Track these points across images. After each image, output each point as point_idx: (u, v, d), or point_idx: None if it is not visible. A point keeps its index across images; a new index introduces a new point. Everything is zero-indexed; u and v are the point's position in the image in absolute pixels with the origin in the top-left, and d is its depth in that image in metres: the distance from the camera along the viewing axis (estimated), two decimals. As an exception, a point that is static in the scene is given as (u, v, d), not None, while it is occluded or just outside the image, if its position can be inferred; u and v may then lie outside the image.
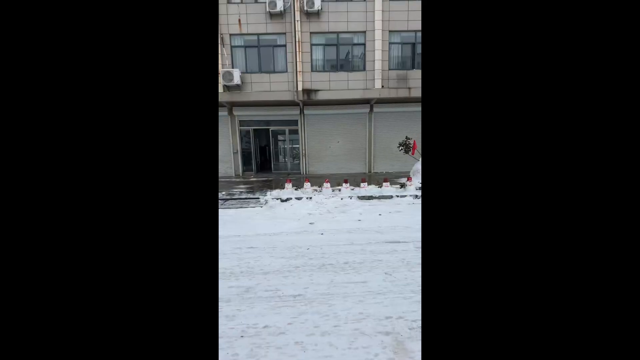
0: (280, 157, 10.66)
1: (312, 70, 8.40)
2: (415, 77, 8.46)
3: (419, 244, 2.83)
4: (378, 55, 8.15)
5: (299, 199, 5.18)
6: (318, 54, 8.47)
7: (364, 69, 8.39)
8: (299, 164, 9.70)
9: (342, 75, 8.40)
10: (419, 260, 2.42)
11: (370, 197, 5.32)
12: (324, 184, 5.72)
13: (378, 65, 8.23)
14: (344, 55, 8.66)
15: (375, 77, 8.25)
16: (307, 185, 5.67)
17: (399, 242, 2.93)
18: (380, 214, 4.16)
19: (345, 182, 5.68)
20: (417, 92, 8.35)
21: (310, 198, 5.21)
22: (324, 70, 8.48)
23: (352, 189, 5.76)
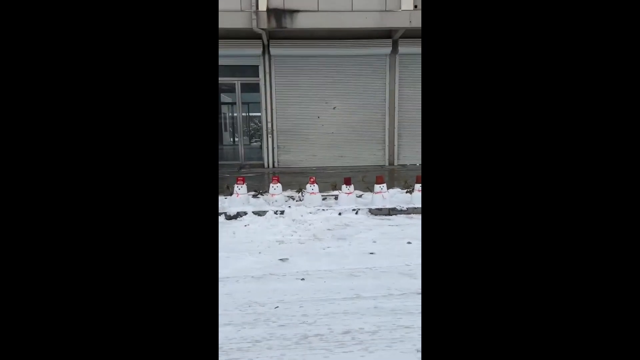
0: (226, 136, 10.56)
1: (285, -26, 8.38)
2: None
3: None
4: (408, -51, 8.26)
5: (260, 214, 5.19)
6: (297, -57, 8.46)
7: (382, -25, 8.47)
8: (260, 148, 9.70)
9: (341, -16, 8.43)
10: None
11: (391, 211, 5.40)
12: (308, 186, 5.74)
13: (407, -33, 8.34)
14: (346, -53, 8.71)
15: (403, -9, 8.35)
16: (275, 188, 5.66)
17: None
18: (409, 242, 4.24)
19: (347, 183, 5.72)
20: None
21: (282, 213, 5.23)
22: (309, -25, 8.47)
23: (360, 196, 5.82)
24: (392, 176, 7.88)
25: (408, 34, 8.74)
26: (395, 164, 9.63)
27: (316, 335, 2.45)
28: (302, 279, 3.32)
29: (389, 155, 9.61)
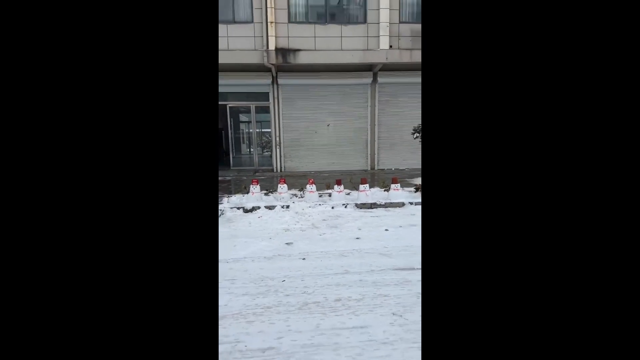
0: (243, 147, 10.56)
1: (289, 21, 8.39)
2: (436, 34, 8.63)
3: (441, 272, 2.90)
4: (385, 1, 8.27)
5: (270, 208, 5.18)
6: (299, -3, 8.46)
7: (365, 21, 8.49)
8: (270, 157, 9.67)
9: (333, 29, 8.45)
10: (441, 295, 2.49)
11: (373, 205, 5.40)
12: (307, 186, 5.74)
13: (384, 16, 8.36)
14: (336, 0, 8.73)
15: (381, 33, 8.37)
16: (282, 188, 5.66)
17: (414, 269, 2.99)
18: (387, 229, 4.24)
19: (338, 183, 5.73)
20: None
21: (287, 207, 5.22)
22: (307, 22, 8.49)
23: (348, 194, 5.82)
24: (373, 178, 7.88)
25: (385, 68, 8.77)
26: (376, 168, 9.64)
27: (314, 302, 2.45)
28: (304, 259, 3.32)
29: (371, 161, 9.62)
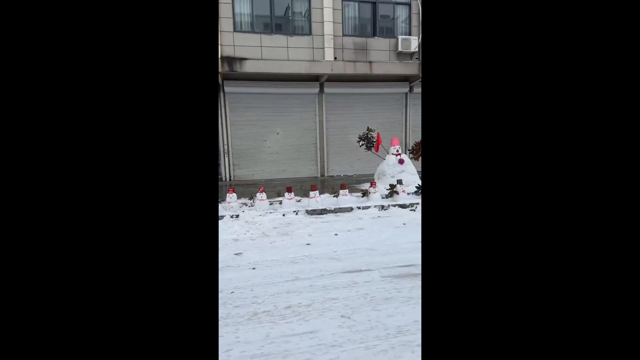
0: (190, 157, 10.15)
1: (235, 30, 8.29)
2: (377, 47, 9.10)
3: (387, 271, 3.03)
4: (328, 14, 8.55)
5: (219, 218, 5.00)
6: (244, 6, 8.42)
7: (310, 33, 8.68)
8: (218, 165, 9.36)
9: (279, 39, 8.52)
10: (386, 294, 2.59)
11: (323, 211, 5.48)
12: (257, 194, 5.66)
13: (329, 28, 8.62)
14: (282, 10, 8.82)
15: (326, 45, 8.61)
16: (231, 197, 5.51)
17: (361, 270, 3.08)
18: (336, 234, 4.32)
19: (289, 191, 5.73)
20: (380, 68, 8.99)
21: (237, 216, 5.10)
22: (253, 32, 8.46)
23: (298, 201, 5.84)
24: (323, 184, 8.01)
25: (331, 79, 9.00)
26: (326, 175, 9.80)
27: (264, 311, 2.41)
28: (253, 268, 3.25)
29: (321, 169, 9.76)
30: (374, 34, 9.04)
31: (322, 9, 8.47)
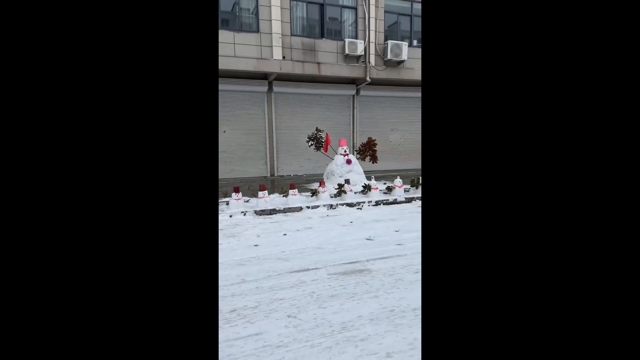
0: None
1: (177, 23, 7.85)
2: (325, 49, 9.21)
3: (333, 269, 3.08)
4: (276, 13, 8.46)
5: (160, 221, 4.71)
6: (187, -1, 8.00)
7: (258, 31, 8.52)
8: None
9: (225, 35, 8.23)
10: (332, 292, 2.63)
11: (272, 212, 5.42)
12: (202, 195, 5.42)
13: (277, 27, 8.53)
14: (229, 6, 8.54)
15: (274, 44, 8.52)
16: (173, 199, 5.22)
17: (308, 269, 3.10)
18: (285, 234, 4.30)
19: (236, 191, 5.57)
20: (328, 70, 9.12)
21: (180, 219, 4.84)
22: (198, 25, 8.08)
23: (247, 201, 5.71)
24: (272, 184, 7.92)
25: (280, 78, 8.94)
26: (275, 174, 9.71)
27: (208, 317, 2.32)
28: (198, 273, 3.12)
29: (270, 168, 9.65)
30: (322, 36, 9.14)
31: (270, 7, 8.36)
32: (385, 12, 9.63)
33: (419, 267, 3.07)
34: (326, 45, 9.08)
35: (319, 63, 8.91)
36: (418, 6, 10.05)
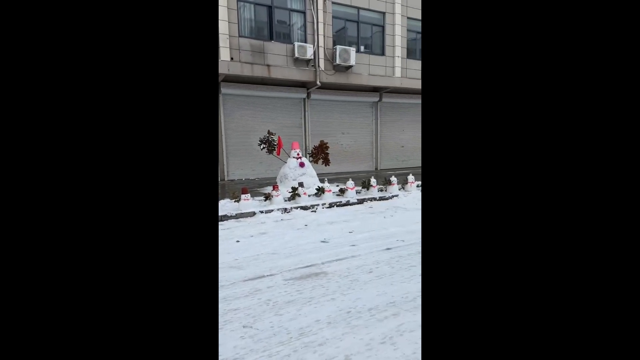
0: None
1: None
2: (274, 51, 9.14)
3: (289, 274, 3.04)
4: (223, 13, 8.21)
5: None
6: None
7: (204, 31, 8.17)
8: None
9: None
10: (289, 297, 2.59)
11: (223, 218, 5.22)
12: (146, 204, 5.05)
13: (224, 27, 8.28)
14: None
15: (221, 45, 8.26)
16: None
17: (263, 276, 3.02)
18: (238, 241, 4.16)
19: (183, 198, 5.28)
20: (278, 73, 9.05)
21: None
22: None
23: (195, 208, 5.43)
24: (223, 189, 7.64)
25: (228, 79, 8.69)
26: (226, 179, 9.39)
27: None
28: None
29: (221, 172, 9.31)
30: (270, 38, 9.05)
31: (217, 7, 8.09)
32: (333, 17, 9.81)
33: (373, 266, 3.15)
34: (275, 48, 9.00)
35: (268, 65, 8.80)
36: (364, 13, 10.39)
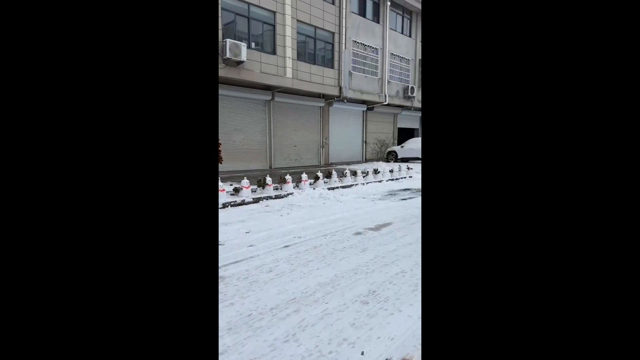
0: None
1: None
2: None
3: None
4: None
5: None
6: None
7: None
8: None
9: None
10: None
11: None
12: None
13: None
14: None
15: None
16: None
17: (223, 278, 2.68)
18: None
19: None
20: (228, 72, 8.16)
21: None
22: None
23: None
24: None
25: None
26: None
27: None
28: None
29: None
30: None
31: None
32: (222, 8, 9.35)
33: (272, 265, 3.13)
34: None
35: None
36: (255, 9, 10.23)
